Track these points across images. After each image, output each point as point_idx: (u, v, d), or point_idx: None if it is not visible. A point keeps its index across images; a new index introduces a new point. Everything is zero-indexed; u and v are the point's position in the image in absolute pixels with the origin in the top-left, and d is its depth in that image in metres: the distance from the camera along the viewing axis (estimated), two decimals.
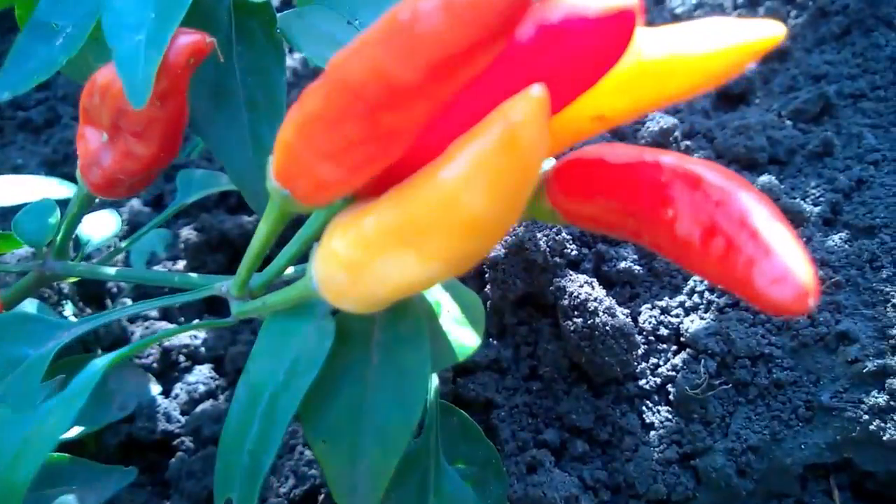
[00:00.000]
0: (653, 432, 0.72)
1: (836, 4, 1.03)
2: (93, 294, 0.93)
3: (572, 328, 0.72)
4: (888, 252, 0.75)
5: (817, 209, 0.81)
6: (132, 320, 0.89)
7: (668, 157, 0.34)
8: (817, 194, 0.83)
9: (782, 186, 0.83)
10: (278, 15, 0.54)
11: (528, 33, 0.30)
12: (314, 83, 0.32)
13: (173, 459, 0.78)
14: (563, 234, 0.78)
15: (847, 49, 0.99)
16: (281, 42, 0.55)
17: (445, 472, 0.56)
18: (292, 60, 1.16)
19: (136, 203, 1.03)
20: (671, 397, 0.73)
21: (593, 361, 0.72)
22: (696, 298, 0.77)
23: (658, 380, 0.74)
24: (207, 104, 0.52)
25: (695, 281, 0.78)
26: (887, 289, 0.72)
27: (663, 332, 0.76)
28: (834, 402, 0.68)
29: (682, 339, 0.75)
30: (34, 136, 1.17)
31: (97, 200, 0.59)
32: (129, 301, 0.93)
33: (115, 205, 0.90)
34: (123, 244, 0.76)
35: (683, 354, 0.74)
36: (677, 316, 0.77)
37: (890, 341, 0.69)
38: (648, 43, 0.34)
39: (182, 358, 0.86)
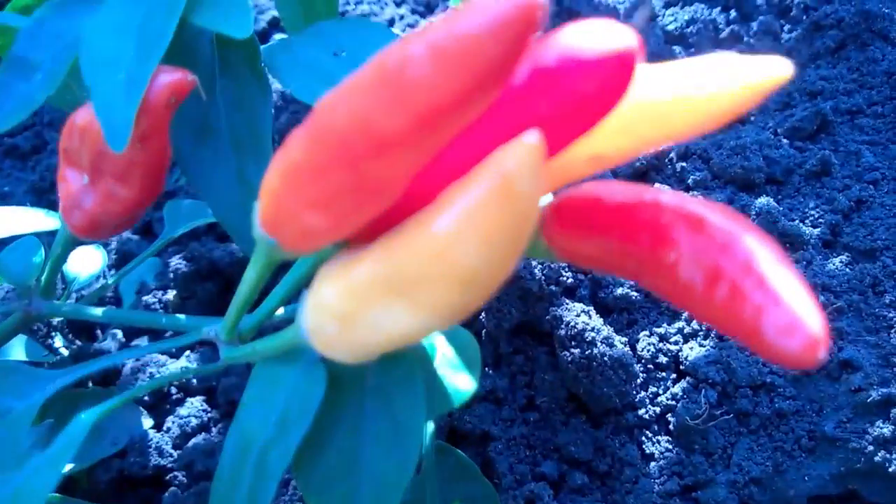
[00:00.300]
0: (653, 463, 0.71)
1: (831, 18, 1.02)
2: (82, 325, 0.91)
3: (570, 359, 0.71)
4: (890, 276, 0.74)
5: (817, 231, 0.80)
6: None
7: (668, 197, 0.32)
8: (816, 215, 0.82)
9: (780, 208, 0.82)
10: (263, 48, 0.53)
11: (522, 76, 0.29)
12: (300, 128, 0.30)
13: (166, 494, 0.76)
14: None
15: (842, 64, 0.98)
16: (266, 75, 0.54)
17: None
18: (279, 84, 1.15)
19: (124, 232, 1.02)
20: (671, 427, 0.72)
21: (591, 392, 0.71)
22: (694, 325, 0.76)
23: (658, 409, 0.73)
24: (191, 143, 0.50)
25: None
26: (890, 314, 0.71)
27: (662, 359, 0.75)
28: (838, 433, 0.66)
29: (681, 367, 0.74)
30: (21, 162, 1.16)
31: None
32: (119, 332, 0.91)
33: None
34: (111, 279, 0.74)
35: (683, 383, 0.73)
36: (676, 343, 0.75)
37: (895, 369, 0.67)
38: (649, 81, 0.32)
39: (174, 390, 0.84)
